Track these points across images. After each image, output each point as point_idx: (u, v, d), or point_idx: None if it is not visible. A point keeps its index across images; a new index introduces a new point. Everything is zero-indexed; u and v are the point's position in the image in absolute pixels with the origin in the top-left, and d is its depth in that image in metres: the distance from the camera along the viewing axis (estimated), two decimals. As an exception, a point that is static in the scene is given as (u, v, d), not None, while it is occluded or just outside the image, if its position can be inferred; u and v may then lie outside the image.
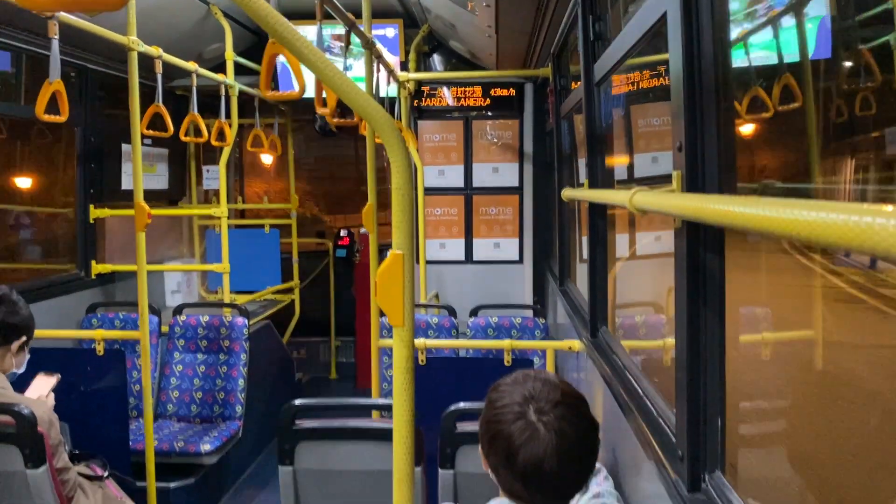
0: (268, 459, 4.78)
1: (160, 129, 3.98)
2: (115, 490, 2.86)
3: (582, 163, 3.48)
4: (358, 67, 5.08)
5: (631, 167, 3.16)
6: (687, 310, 1.48)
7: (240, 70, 4.83)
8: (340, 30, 4.84)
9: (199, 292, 5.78)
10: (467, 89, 5.54)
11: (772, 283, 1.63)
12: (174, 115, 4.58)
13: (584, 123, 2.83)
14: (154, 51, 3.61)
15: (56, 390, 2.78)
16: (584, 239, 3.37)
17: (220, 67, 4.68)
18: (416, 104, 5.52)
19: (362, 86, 3.11)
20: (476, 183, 5.58)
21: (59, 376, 2.81)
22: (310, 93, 2.84)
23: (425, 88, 5.56)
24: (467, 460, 2.26)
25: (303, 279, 6.37)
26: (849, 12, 1.48)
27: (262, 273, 5.81)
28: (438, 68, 5.68)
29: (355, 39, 3.01)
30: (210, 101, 4.78)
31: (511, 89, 5.53)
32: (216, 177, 5.70)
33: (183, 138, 4.48)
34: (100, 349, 3.53)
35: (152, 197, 4.97)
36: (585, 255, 3.25)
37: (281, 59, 5.44)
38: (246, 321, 4.39)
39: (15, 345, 2.61)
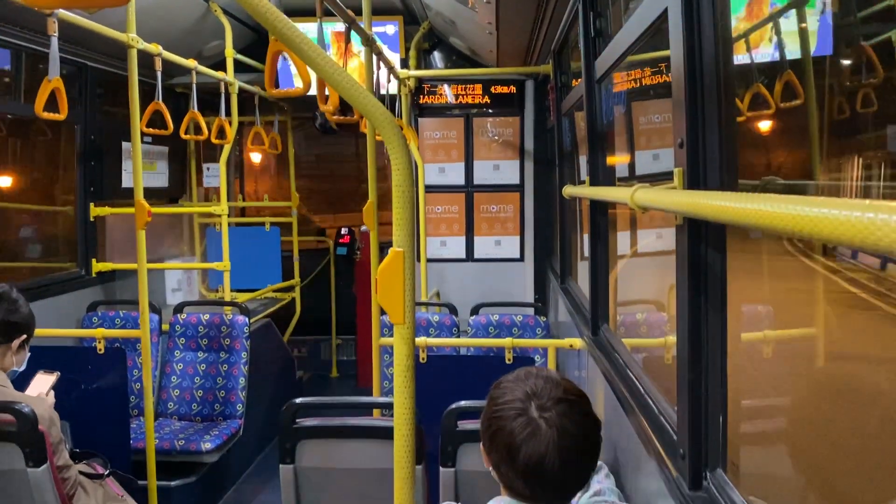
0: (269, 458, 4.78)
1: (160, 126, 3.97)
2: (115, 488, 2.86)
3: (583, 160, 3.48)
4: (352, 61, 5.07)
5: (632, 164, 3.15)
6: (688, 307, 1.47)
7: (240, 67, 4.82)
8: (340, 27, 4.83)
9: (199, 290, 5.78)
10: (468, 86, 5.53)
11: (777, 289, 1.60)
12: (174, 112, 4.57)
13: (586, 120, 2.82)
14: (154, 48, 3.60)
15: (56, 389, 2.77)
16: (586, 236, 3.37)
17: (219, 65, 4.68)
18: (416, 101, 5.51)
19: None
20: (477, 180, 5.58)
21: (59, 374, 2.81)
22: (311, 90, 2.84)
23: (426, 86, 5.55)
24: (468, 458, 2.26)
25: (303, 277, 6.37)
26: (850, 8, 1.47)
27: (262, 271, 5.81)
28: (439, 65, 5.67)
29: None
30: (210, 99, 4.78)
31: (512, 86, 5.52)
32: (216, 174, 5.69)
33: (183, 136, 4.48)
34: (100, 347, 3.53)
35: (153, 195, 4.97)
36: (586, 252, 3.24)
37: (283, 56, 5.43)
38: (247, 319, 4.39)
39: (15, 343, 2.61)
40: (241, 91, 4.82)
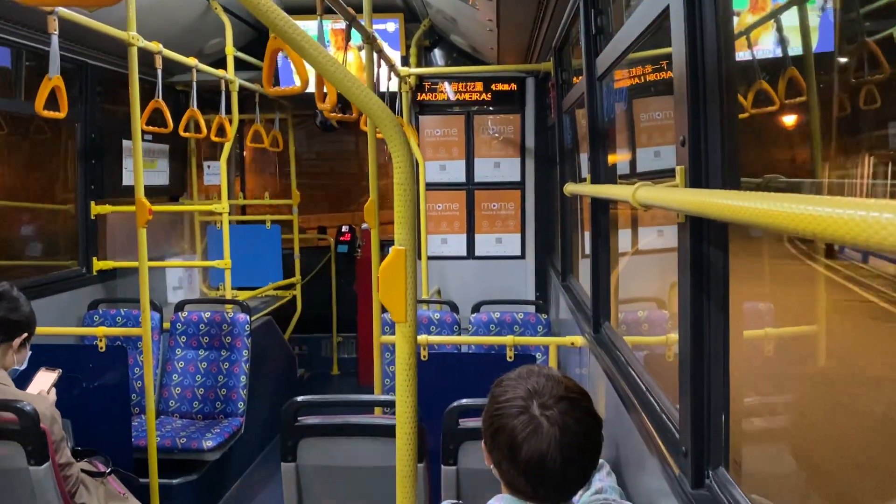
0: (270, 456, 4.78)
1: (160, 125, 3.97)
2: (117, 486, 2.86)
3: (584, 157, 3.48)
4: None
5: (633, 162, 3.15)
6: (691, 305, 1.47)
7: (240, 65, 4.82)
8: (339, 24, 4.82)
9: (200, 288, 5.78)
10: (468, 84, 5.53)
11: (784, 296, 1.58)
12: (174, 110, 4.57)
13: (587, 118, 2.82)
14: (154, 46, 3.60)
15: (58, 387, 2.78)
16: (586, 234, 3.37)
17: (220, 63, 4.67)
18: (417, 99, 5.51)
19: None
20: (478, 178, 5.57)
21: (61, 371, 2.81)
22: (310, 88, 2.83)
23: (426, 83, 5.54)
24: (470, 457, 2.26)
25: (304, 275, 6.37)
26: (852, 5, 1.46)
27: (263, 269, 5.81)
28: (439, 63, 5.66)
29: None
30: (211, 97, 4.77)
31: (512, 84, 5.52)
32: (217, 172, 5.69)
33: (182, 134, 4.47)
34: (101, 346, 3.53)
35: (153, 193, 4.96)
36: (587, 250, 3.24)
37: (281, 53, 5.43)
38: (248, 317, 4.38)
39: (16, 341, 2.61)
40: (242, 89, 4.82)
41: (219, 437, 3.96)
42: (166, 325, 4.39)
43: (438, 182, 5.53)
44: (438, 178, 5.54)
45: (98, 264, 4.54)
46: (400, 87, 4.93)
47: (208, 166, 5.85)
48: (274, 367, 5.17)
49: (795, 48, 1.69)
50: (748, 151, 1.51)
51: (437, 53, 5.65)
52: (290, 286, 6.09)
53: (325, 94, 2.83)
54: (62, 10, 2.91)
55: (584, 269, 3.68)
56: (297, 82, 2.55)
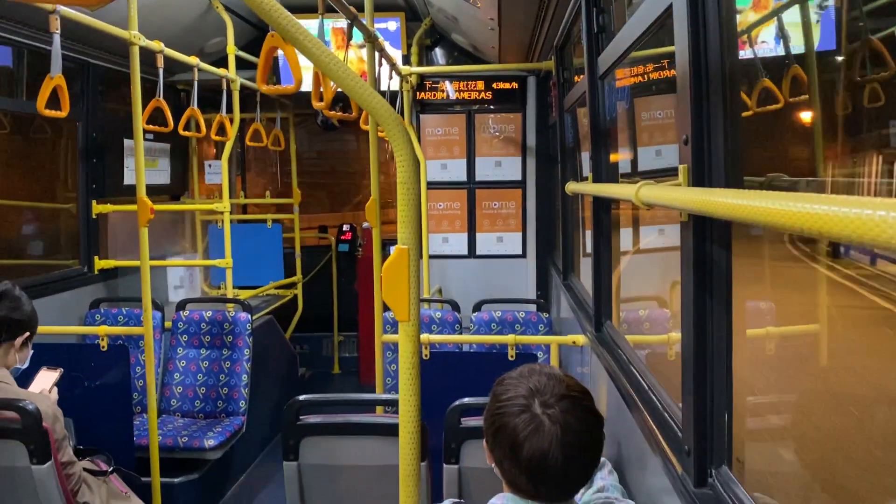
0: (272, 455, 4.78)
1: (161, 124, 3.97)
2: (119, 485, 2.87)
3: (585, 156, 3.47)
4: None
5: (634, 160, 3.15)
6: (693, 304, 1.47)
7: (241, 64, 4.81)
8: (339, 23, 4.82)
9: (201, 287, 5.78)
10: (469, 83, 5.53)
11: (789, 303, 1.56)
12: (175, 109, 4.57)
13: (588, 117, 2.82)
14: (156, 45, 3.60)
15: (60, 386, 2.78)
16: (588, 233, 3.37)
17: (221, 62, 4.67)
18: (418, 98, 5.51)
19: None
20: (479, 177, 5.57)
21: (62, 370, 2.82)
22: (306, 87, 2.83)
23: (427, 82, 5.54)
24: (472, 455, 2.26)
25: (305, 274, 6.37)
26: (854, 3, 1.46)
27: (264, 268, 5.81)
28: (440, 62, 5.66)
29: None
30: (212, 96, 4.77)
31: (513, 82, 5.51)
32: (218, 172, 5.69)
33: (182, 132, 4.47)
34: (103, 345, 3.54)
35: (155, 192, 4.96)
36: (588, 248, 3.24)
37: (282, 53, 5.42)
38: (249, 316, 4.39)
39: (18, 340, 2.61)
40: (243, 88, 4.82)
41: (220, 436, 3.96)
42: (168, 324, 4.39)
43: (439, 181, 5.53)
44: (440, 176, 5.54)
45: (99, 263, 4.55)
46: (401, 86, 4.93)
47: (209, 165, 5.85)
48: (275, 366, 5.18)
49: (797, 47, 1.69)
50: (754, 149, 1.50)
51: (439, 52, 5.65)
52: (292, 285, 6.09)
53: (322, 93, 2.82)
54: (64, 10, 2.91)
55: (585, 267, 3.68)
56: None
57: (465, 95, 5.54)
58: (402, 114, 4.93)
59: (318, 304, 6.42)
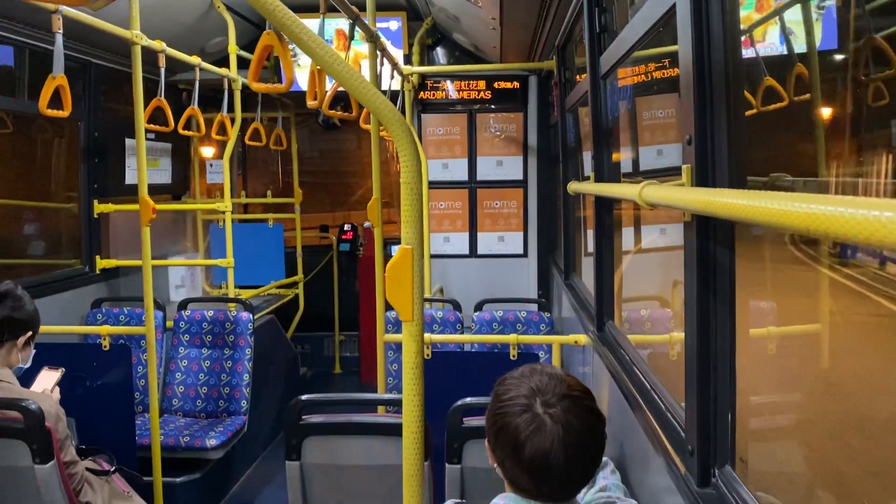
0: (273, 454, 4.79)
1: (162, 123, 3.97)
2: (121, 485, 2.87)
3: (586, 155, 3.47)
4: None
5: (636, 160, 3.15)
6: (697, 304, 1.47)
7: (243, 64, 4.81)
8: (342, 23, 4.82)
9: (202, 287, 5.78)
10: (471, 82, 5.53)
11: (792, 307, 1.53)
12: (177, 109, 4.57)
13: (590, 116, 2.82)
14: (158, 45, 3.60)
15: (61, 385, 2.78)
16: (590, 232, 3.36)
17: (223, 61, 4.67)
18: (419, 97, 5.51)
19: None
20: (480, 176, 5.57)
21: (64, 370, 2.82)
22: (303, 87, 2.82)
23: (428, 81, 5.54)
24: (474, 455, 2.26)
25: (306, 273, 6.37)
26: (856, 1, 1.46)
27: (265, 268, 5.81)
28: (442, 61, 5.66)
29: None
30: (213, 96, 4.77)
31: (515, 82, 5.51)
32: (219, 171, 5.69)
33: (181, 132, 4.47)
34: (105, 344, 3.54)
35: (156, 191, 4.96)
36: (590, 248, 3.24)
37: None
38: (251, 316, 4.39)
39: (21, 340, 2.62)
40: (245, 87, 4.82)
41: (222, 435, 3.96)
42: (169, 323, 4.39)
43: (441, 180, 5.53)
44: (441, 176, 5.54)
45: (101, 263, 4.55)
46: (402, 86, 4.93)
47: (210, 165, 5.85)
48: (277, 365, 5.18)
49: (798, 45, 1.69)
50: (758, 148, 1.50)
51: (440, 52, 5.65)
52: (293, 285, 6.09)
53: (317, 92, 2.82)
54: (66, 10, 2.91)
55: (587, 267, 3.68)
56: (296, 82, 2.54)
57: (467, 95, 5.54)
58: (404, 113, 4.92)
59: (320, 303, 6.42)
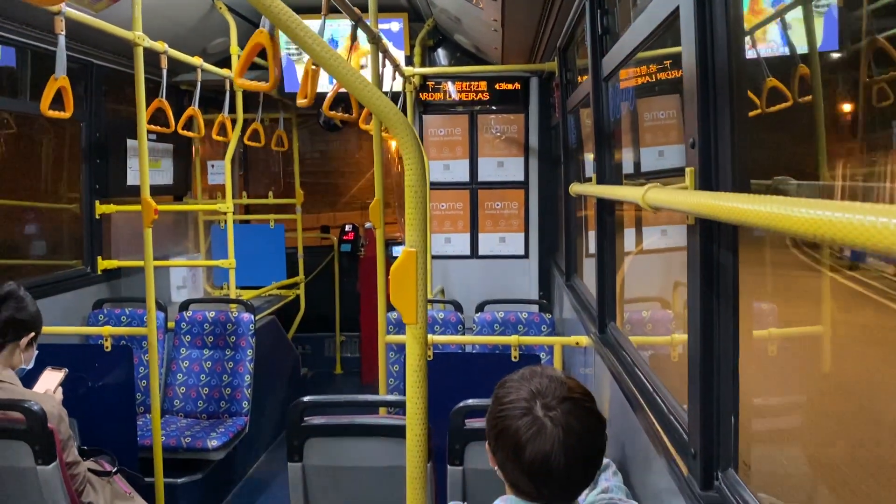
0: (275, 455, 4.79)
1: (164, 124, 3.97)
2: (123, 486, 2.87)
3: (588, 156, 3.47)
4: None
5: (638, 161, 3.15)
6: (700, 307, 1.47)
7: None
8: (345, 25, 4.81)
9: (203, 288, 5.79)
10: (472, 83, 5.53)
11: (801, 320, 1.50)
12: (179, 110, 4.57)
13: (592, 118, 2.82)
14: (160, 46, 3.60)
15: (64, 386, 2.78)
16: (591, 233, 3.36)
17: (224, 62, 4.67)
18: (420, 98, 5.51)
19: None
20: (481, 177, 5.57)
21: (67, 371, 2.82)
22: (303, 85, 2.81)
23: (430, 83, 5.54)
24: (476, 457, 2.26)
25: (307, 274, 6.37)
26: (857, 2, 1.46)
27: (267, 268, 5.81)
28: (443, 62, 5.66)
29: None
30: (215, 96, 4.77)
31: (516, 83, 5.52)
32: (220, 172, 5.70)
33: (181, 132, 4.47)
34: (107, 345, 3.54)
35: (157, 192, 4.96)
36: (592, 249, 3.24)
37: (283, 54, 5.42)
38: (252, 317, 4.39)
39: (24, 340, 2.62)
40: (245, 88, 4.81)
41: (223, 436, 3.96)
42: (171, 324, 4.39)
43: (442, 181, 5.54)
44: (442, 177, 5.54)
45: (103, 263, 4.55)
46: (404, 87, 4.93)
47: (212, 166, 5.86)
48: (278, 366, 5.18)
49: (800, 46, 1.69)
50: (761, 149, 1.50)
51: (441, 53, 5.65)
52: (294, 285, 6.09)
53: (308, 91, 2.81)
54: (69, 11, 2.91)
55: (588, 268, 3.68)
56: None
57: (468, 96, 5.54)
58: (405, 115, 4.92)
59: (321, 304, 6.43)
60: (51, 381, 2.76)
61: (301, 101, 2.59)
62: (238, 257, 4.65)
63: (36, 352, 2.71)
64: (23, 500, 2.52)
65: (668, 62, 2.55)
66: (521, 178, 5.57)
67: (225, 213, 4.63)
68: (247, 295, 4.96)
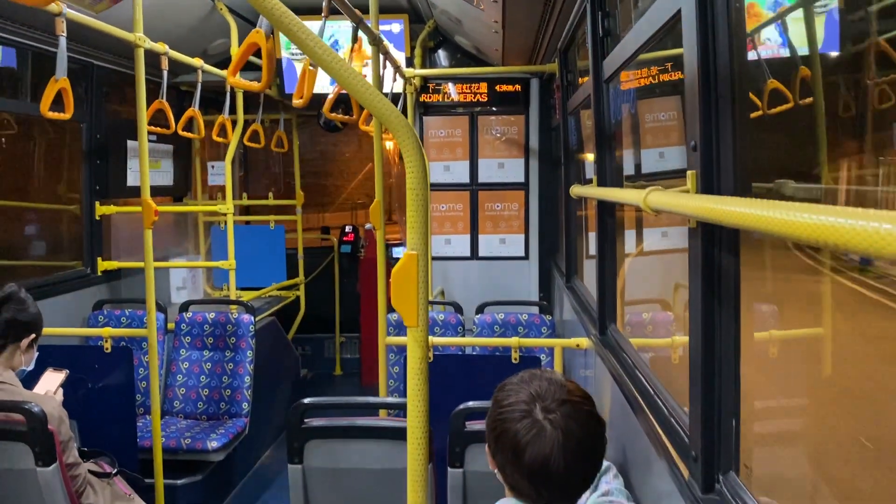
0: (275, 456, 4.79)
1: (164, 125, 3.97)
2: (123, 487, 2.87)
3: (589, 158, 3.47)
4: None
5: (638, 163, 3.15)
6: (701, 309, 1.47)
7: (244, 65, 4.81)
8: (346, 26, 4.81)
9: (203, 289, 5.79)
10: (472, 85, 5.53)
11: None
12: (180, 111, 4.57)
13: (593, 120, 2.82)
14: (160, 47, 3.60)
15: (64, 387, 2.78)
16: (592, 235, 3.36)
17: (224, 63, 4.67)
18: (420, 100, 5.51)
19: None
20: (481, 179, 5.57)
21: (68, 372, 2.82)
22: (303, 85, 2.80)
23: (430, 84, 5.54)
24: (477, 459, 2.26)
25: (307, 275, 6.37)
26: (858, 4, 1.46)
27: (267, 269, 5.81)
28: (443, 64, 5.66)
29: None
30: (215, 97, 4.77)
31: (516, 85, 5.52)
32: (221, 173, 5.69)
33: (180, 133, 4.48)
34: (107, 346, 3.54)
35: (157, 193, 4.96)
36: (592, 251, 3.23)
37: (285, 56, 5.42)
38: (252, 318, 4.39)
39: (24, 342, 2.62)
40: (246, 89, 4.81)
41: (223, 437, 3.96)
42: (171, 325, 4.39)
43: (442, 183, 5.54)
44: (442, 178, 5.55)
45: (103, 265, 4.55)
46: (404, 89, 4.93)
47: (212, 166, 5.86)
48: (278, 367, 5.18)
49: (799, 48, 1.69)
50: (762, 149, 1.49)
51: (442, 54, 5.65)
52: (294, 286, 6.09)
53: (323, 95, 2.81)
54: (70, 12, 2.91)
55: (588, 270, 3.68)
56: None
57: (468, 97, 5.54)
58: (406, 116, 4.93)
59: (320, 305, 6.43)
60: (51, 382, 2.76)
61: (297, 102, 2.59)
62: (238, 258, 4.65)
63: (36, 353, 2.71)
64: (23, 502, 2.51)
65: (668, 64, 2.55)
66: (521, 179, 5.57)
67: (225, 214, 4.63)
68: (247, 296, 4.96)
